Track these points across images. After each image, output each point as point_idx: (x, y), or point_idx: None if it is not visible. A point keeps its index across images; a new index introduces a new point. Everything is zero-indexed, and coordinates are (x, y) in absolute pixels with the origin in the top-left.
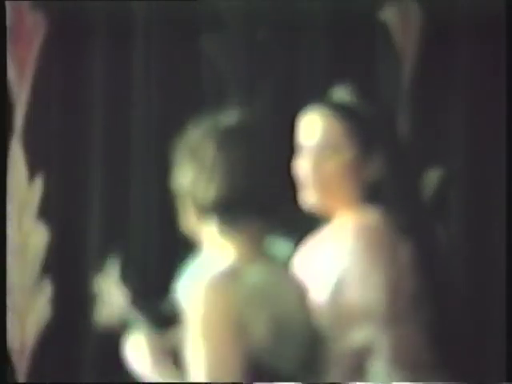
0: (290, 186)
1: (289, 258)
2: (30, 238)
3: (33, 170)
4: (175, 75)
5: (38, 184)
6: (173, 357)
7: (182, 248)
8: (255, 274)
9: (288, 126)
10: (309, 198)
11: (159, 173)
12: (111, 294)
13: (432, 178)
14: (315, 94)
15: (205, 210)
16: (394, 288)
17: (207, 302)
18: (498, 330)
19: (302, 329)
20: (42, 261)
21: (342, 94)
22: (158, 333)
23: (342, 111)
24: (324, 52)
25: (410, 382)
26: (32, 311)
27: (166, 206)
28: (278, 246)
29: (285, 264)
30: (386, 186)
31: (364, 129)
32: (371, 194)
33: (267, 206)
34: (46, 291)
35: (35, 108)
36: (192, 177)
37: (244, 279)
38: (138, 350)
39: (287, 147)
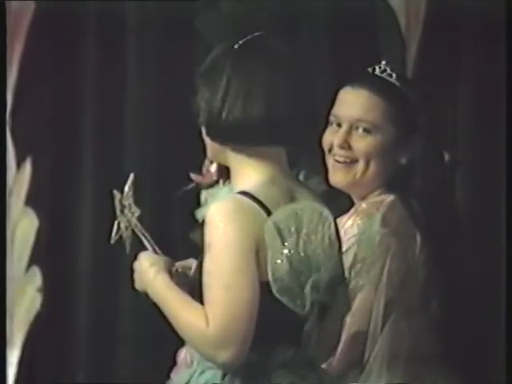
0: (319, 117)
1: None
2: (19, 225)
3: (21, 155)
4: (170, 60)
5: (27, 169)
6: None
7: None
8: (278, 200)
9: None
10: (335, 174)
11: (153, 164)
12: (123, 210)
13: None
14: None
15: (221, 135)
16: (402, 278)
17: (227, 221)
18: (498, 330)
19: (325, 266)
20: (30, 249)
21: (385, 73)
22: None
23: (388, 92)
24: (327, 36)
25: (410, 377)
26: (21, 302)
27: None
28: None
29: (315, 195)
30: (414, 172)
31: (406, 112)
32: (397, 178)
33: (288, 135)
34: (36, 280)
35: (23, 93)
36: (207, 99)
37: (266, 202)
38: (142, 268)
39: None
